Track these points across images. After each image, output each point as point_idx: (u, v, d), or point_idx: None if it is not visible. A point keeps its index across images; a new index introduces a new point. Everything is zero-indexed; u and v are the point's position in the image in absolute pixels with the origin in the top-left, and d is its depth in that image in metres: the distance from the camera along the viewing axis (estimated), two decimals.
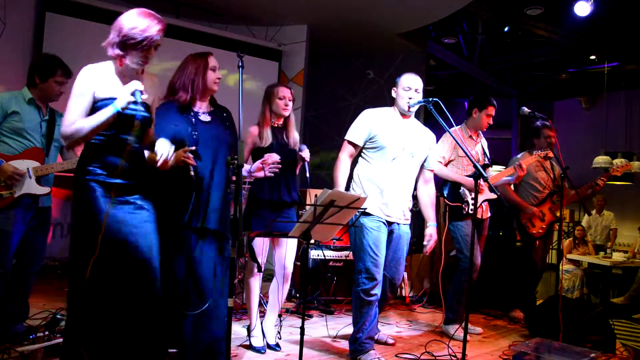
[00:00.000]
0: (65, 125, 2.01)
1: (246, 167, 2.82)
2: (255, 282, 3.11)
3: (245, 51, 2.30)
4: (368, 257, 2.95)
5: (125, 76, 2.13)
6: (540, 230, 4.14)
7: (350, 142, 3.07)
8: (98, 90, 2.06)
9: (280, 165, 2.89)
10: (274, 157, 2.87)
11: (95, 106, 2.05)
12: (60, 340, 2.67)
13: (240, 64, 2.20)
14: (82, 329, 2.02)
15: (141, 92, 2.00)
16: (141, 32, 2.01)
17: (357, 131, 3.07)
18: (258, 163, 2.84)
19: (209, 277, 2.45)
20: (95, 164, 2.08)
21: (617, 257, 5.86)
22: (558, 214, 4.26)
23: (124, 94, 1.99)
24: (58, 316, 2.96)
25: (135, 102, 1.99)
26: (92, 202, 2.03)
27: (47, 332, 2.71)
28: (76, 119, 2.00)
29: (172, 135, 2.37)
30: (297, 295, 4.49)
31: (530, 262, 4.20)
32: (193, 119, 2.52)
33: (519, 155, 4.29)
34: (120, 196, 2.10)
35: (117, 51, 2.05)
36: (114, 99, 2.03)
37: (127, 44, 2.02)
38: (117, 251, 2.04)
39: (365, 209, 2.80)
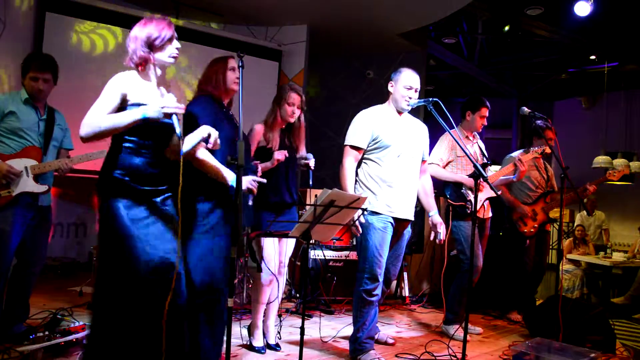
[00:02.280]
0: (85, 120, 1.98)
1: (267, 164, 2.97)
2: (268, 290, 3.09)
3: (245, 51, 2.30)
4: (373, 257, 2.95)
5: (154, 80, 2.17)
6: (532, 230, 4.14)
7: (353, 147, 3.02)
8: (131, 93, 2.06)
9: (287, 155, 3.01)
10: (284, 153, 3.01)
11: (127, 109, 2.05)
12: (61, 340, 2.68)
13: (240, 64, 2.20)
14: (105, 338, 2.02)
15: (178, 117, 2.01)
16: (157, 29, 2.11)
17: (359, 134, 3.02)
18: (280, 156, 2.97)
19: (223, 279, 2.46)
20: (123, 169, 2.06)
21: (617, 257, 5.87)
22: (552, 215, 4.26)
23: (157, 106, 1.98)
24: (58, 316, 2.96)
25: (172, 125, 2.01)
26: (115, 209, 2.02)
27: (47, 332, 2.71)
28: (97, 116, 1.99)
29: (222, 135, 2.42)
30: (297, 295, 4.49)
31: (520, 262, 4.20)
32: (233, 120, 2.64)
33: (513, 154, 4.28)
34: (145, 202, 2.09)
35: (145, 53, 2.08)
36: (154, 119, 2.03)
37: (152, 42, 2.09)
38: (139, 258, 2.02)
39: (366, 208, 2.80)
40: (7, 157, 2.79)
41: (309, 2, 5.71)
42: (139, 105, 2.05)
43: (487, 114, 3.78)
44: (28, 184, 2.83)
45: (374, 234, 2.96)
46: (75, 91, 5.04)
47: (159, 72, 2.18)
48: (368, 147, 3.03)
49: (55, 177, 3.07)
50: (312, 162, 3.17)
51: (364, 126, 3.03)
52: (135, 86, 2.10)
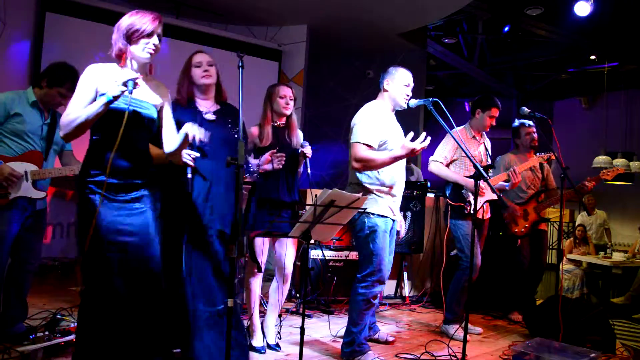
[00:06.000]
0: (62, 118, 2.04)
1: (254, 161, 2.91)
2: (256, 282, 3.10)
3: (245, 51, 2.30)
4: (382, 260, 2.93)
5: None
6: (523, 229, 4.14)
7: (365, 144, 2.90)
8: (101, 86, 2.06)
9: (285, 157, 2.92)
10: (282, 161, 2.91)
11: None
12: (61, 340, 2.68)
13: (240, 64, 2.20)
14: (92, 329, 2.04)
15: (134, 81, 1.98)
16: (140, 21, 2.11)
17: (372, 134, 2.92)
18: (267, 155, 2.87)
19: (218, 277, 2.47)
20: (95, 164, 2.08)
21: (617, 257, 5.87)
22: (543, 214, 4.27)
23: (116, 83, 1.97)
24: (58, 316, 2.96)
25: (129, 92, 1.98)
26: (88, 205, 2.05)
27: (47, 332, 2.71)
28: (73, 112, 2.01)
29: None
30: (297, 295, 4.49)
31: (515, 261, 4.20)
32: (198, 118, 2.56)
33: (505, 156, 4.31)
34: (118, 195, 2.09)
35: (122, 44, 2.09)
36: (118, 96, 2.01)
37: (130, 35, 2.09)
38: (115, 252, 2.05)
39: (365, 208, 2.80)
40: (9, 159, 2.78)
41: (309, 2, 5.71)
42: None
43: (496, 114, 3.76)
44: (27, 189, 2.82)
45: (381, 238, 2.94)
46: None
47: (135, 66, 2.15)
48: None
49: (55, 177, 3.07)
50: (308, 150, 3.03)
51: (376, 126, 2.94)
52: (108, 78, 2.06)
